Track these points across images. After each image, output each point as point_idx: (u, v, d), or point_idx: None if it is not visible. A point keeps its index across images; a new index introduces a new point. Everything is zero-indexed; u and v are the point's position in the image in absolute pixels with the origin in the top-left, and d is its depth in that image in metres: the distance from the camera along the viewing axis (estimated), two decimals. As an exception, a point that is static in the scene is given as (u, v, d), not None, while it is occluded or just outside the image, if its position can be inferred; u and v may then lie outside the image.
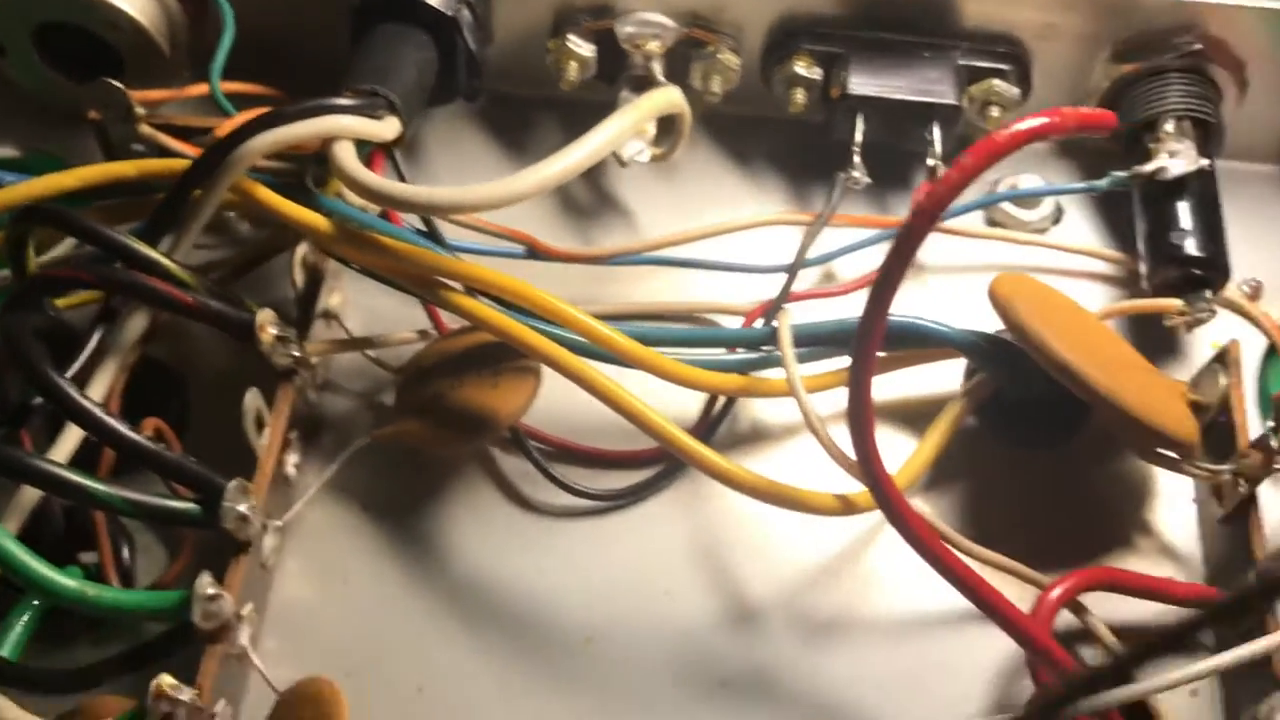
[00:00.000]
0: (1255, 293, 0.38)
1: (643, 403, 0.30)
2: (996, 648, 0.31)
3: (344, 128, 0.32)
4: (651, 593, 0.32)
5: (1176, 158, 0.35)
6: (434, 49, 0.36)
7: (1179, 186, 0.36)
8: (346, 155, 0.32)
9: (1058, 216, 0.39)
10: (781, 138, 0.40)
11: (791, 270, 0.35)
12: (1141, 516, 0.34)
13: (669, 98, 0.35)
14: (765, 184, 0.40)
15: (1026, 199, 0.39)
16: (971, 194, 0.38)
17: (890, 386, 0.35)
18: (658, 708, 0.31)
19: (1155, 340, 0.37)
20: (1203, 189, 0.36)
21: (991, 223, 0.39)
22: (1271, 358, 0.37)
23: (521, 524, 0.33)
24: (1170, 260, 0.35)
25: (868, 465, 0.28)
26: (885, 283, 0.27)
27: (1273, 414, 0.36)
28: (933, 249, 0.39)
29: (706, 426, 0.34)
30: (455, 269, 0.31)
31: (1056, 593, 0.31)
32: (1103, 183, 0.36)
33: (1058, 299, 0.34)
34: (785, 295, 0.35)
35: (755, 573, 0.33)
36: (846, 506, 0.31)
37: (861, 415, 0.28)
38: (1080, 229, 0.39)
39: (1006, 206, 0.39)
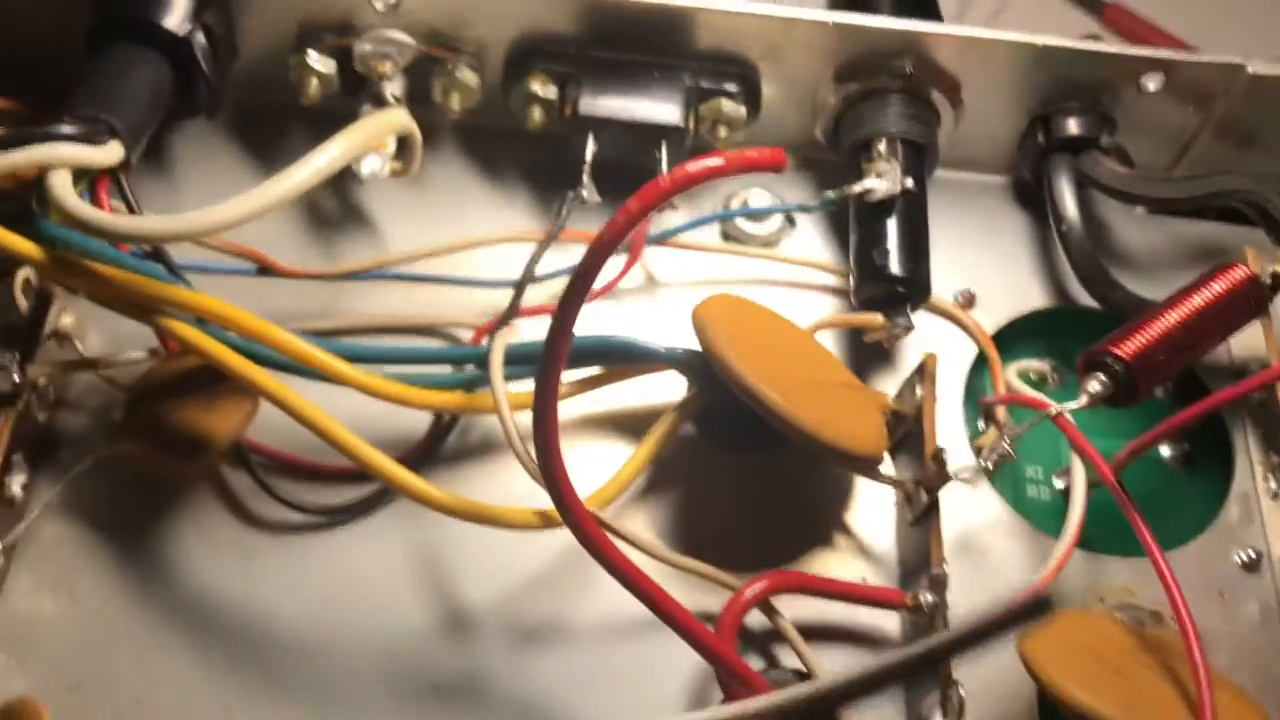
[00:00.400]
0: (969, 302, 0.40)
1: (337, 424, 0.31)
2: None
3: (60, 156, 0.33)
4: (369, 606, 0.34)
5: (883, 178, 0.37)
6: (168, 69, 0.36)
7: (887, 205, 0.38)
8: (60, 185, 0.32)
9: (791, 228, 0.41)
10: (535, 151, 0.41)
11: (517, 287, 0.36)
12: (845, 519, 0.37)
13: (390, 121, 0.36)
14: (516, 198, 0.41)
15: (758, 213, 0.40)
16: (705, 208, 0.41)
17: (616, 397, 0.37)
18: (372, 715, 0.33)
19: (879, 352, 0.39)
20: (909, 209, 0.38)
21: (726, 236, 0.41)
22: (981, 364, 0.39)
23: (246, 539, 0.34)
24: (873, 277, 0.37)
25: (551, 482, 0.30)
26: (563, 315, 0.29)
27: (981, 415, 0.38)
28: (667, 264, 0.40)
29: (429, 443, 0.36)
30: (164, 294, 0.32)
31: (746, 596, 0.33)
32: (814, 203, 0.38)
33: (762, 318, 0.36)
34: (510, 312, 0.36)
35: (472, 583, 0.34)
36: (545, 521, 0.32)
37: (546, 434, 0.29)
38: (813, 241, 0.41)
39: (739, 220, 0.40)
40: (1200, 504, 0.39)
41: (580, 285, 0.28)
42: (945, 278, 0.40)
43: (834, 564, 0.36)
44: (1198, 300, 0.36)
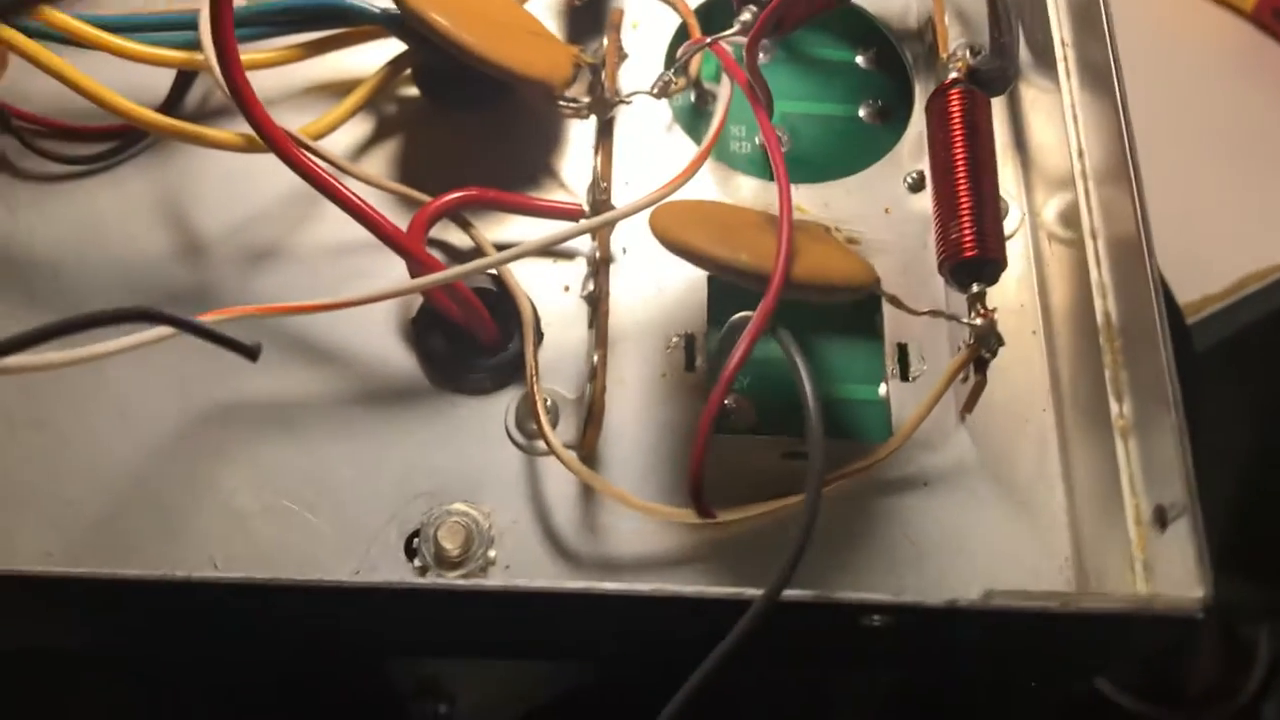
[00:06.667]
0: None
1: (95, 83, 0.36)
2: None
3: None
4: (116, 237, 0.39)
5: None
6: None
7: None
8: None
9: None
10: None
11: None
12: (550, 161, 0.41)
13: None
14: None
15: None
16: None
17: (340, 61, 0.41)
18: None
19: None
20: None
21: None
22: (683, 34, 0.44)
23: (9, 191, 0.39)
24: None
25: (239, 99, 0.34)
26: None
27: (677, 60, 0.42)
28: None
29: (174, 97, 0.41)
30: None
31: (434, 204, 0.37)
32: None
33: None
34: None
35: (207, 215, 0.39)
36: (250, 144, 0.37)
37: (227, 58, 0.34)
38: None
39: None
40: (889, 149, 0.43)
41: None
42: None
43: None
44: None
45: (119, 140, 0.40)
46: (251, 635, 0.36)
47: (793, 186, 0.41)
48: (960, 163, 0.36)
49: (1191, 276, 0.64)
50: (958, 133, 0.37)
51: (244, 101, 0.34)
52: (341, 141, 0.40)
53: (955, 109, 0.37)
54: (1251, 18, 0.69)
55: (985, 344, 0.35)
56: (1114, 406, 0.34)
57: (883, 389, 0.38)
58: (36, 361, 0.29)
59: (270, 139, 0.34)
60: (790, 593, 0.29)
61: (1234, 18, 0.70)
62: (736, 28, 0.38)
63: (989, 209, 0.36)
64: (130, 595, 0.31)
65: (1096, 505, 0.35)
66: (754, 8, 0.38)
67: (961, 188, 0.36)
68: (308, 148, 0.37)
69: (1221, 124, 0.68)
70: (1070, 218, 0.39)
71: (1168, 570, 0.31)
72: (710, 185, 0.41)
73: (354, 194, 0.35)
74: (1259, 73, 0.69)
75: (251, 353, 0.27)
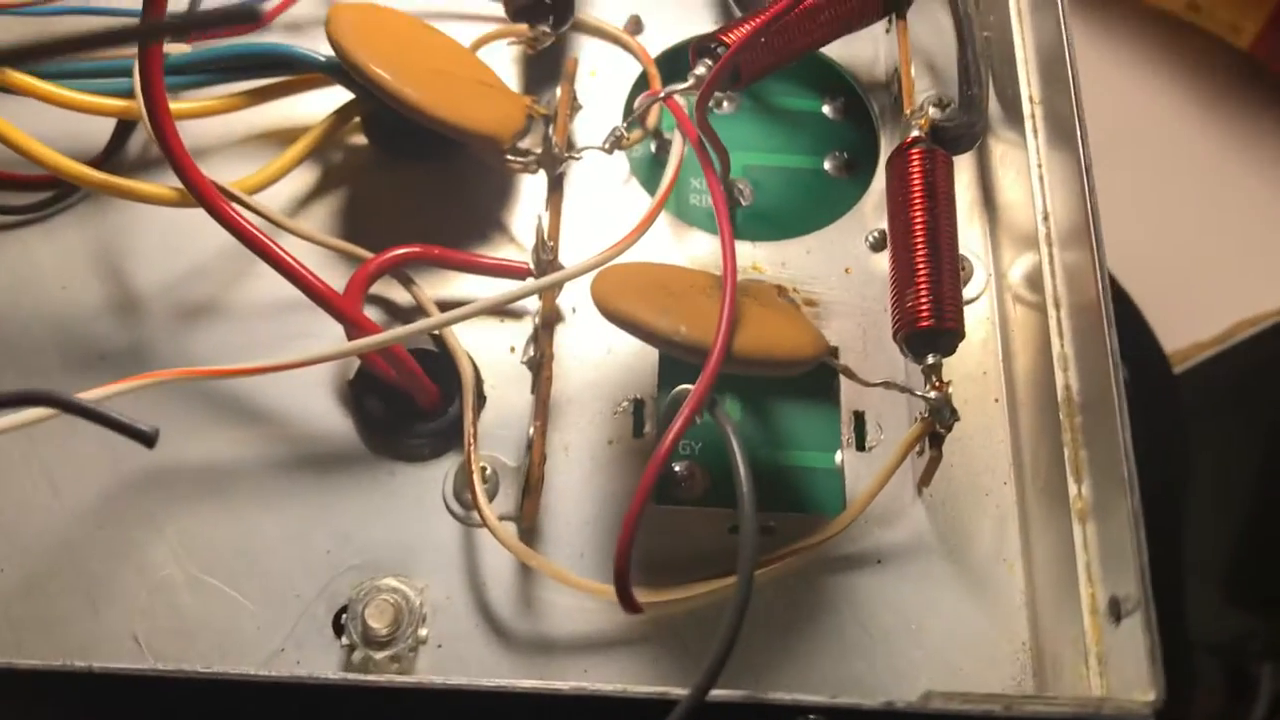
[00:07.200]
0: (636, 27, 0.43)
1: (20, 132, 0.35)
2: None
3: None
4: (49, 289, 0.38)
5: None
6: None
7: (535, -74, 0.40)
8: None
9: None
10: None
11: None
12: (502, 215, 0.40)
13: None
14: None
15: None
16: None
17: (286, 109, 0.40)
18: (43, 378, 0.36)
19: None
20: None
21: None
22: (643, 83, 0.42)
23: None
24: (518, -13, 0.40)
25: (169, 153, 0.33)
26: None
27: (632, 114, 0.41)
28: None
29: (113, 146, 0.39)
30: None
31: (374, 262, 0.36)
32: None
33: (402, 25, 0.39)
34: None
35: (142, 271, 0.38)
36: (183, 199, 0.35)
37: (157, 110, 0.32)
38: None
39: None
40: (853, 204, 0.42)
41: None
42: (616, 5, 0.43)
43: (488, 252, 0.39)
44: (815, -7, 0.39)
45: (54, 190, 0.39)
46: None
47: (751, 244, 0.40)
48: (918, 227, 0.35)
49: (1182, 322, 0.62)
50: (916, 195, 0.35)
51: (172, 154, 0.33)
52: (285, 193, 0.39)
53: (915, 170, 0.36)
54: (1247, 55, 0.68)
55: (940, 418, 0.34)
56: (1072, 487, 0.33)
57: (838, 457, 0.37)
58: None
59: (199, 194, 0.33)
60: (718, 693, 0.27)
61: (1229, 57, 0.68)
62: (690, 81, 0.37)
63: (946, 276, 0.35)
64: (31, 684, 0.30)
65: (1055, 589, 0.33)
66: (709, 61, 0.37)
67: (919, 254, 0.35)
68: (241, 202, 0.36)
69: (1214, 165, 0.66)
70: (1036, 281, 0.37)
71: (1120, 666, 0.30)
72: (667, 241, 0.40)
73: (286, 253, 0.34)
74: (1254, 113, 0.68)
75: (148, 439, 0.26)
